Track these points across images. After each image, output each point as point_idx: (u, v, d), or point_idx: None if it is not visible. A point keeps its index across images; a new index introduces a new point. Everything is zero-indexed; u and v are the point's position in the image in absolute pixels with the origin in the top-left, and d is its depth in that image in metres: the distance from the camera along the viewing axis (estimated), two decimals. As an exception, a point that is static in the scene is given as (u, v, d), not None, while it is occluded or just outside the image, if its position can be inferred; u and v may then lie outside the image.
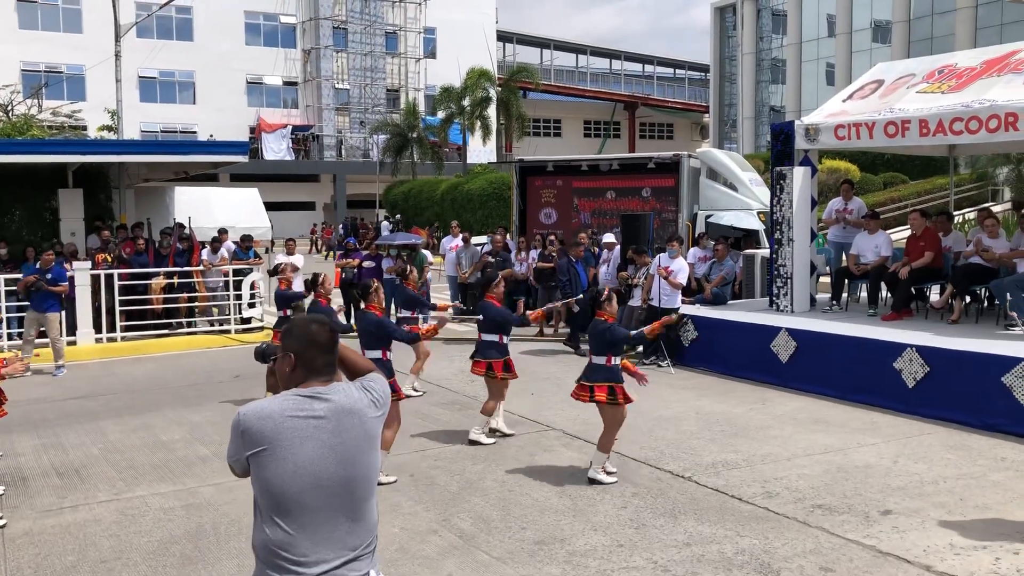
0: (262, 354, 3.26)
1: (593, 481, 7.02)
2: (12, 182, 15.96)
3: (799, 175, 11.62)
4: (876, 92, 11.72)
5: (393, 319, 11.16)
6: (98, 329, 14.40)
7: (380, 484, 6.96)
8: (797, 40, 46.97)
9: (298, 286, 11.64)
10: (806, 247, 11.80)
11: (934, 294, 11.69)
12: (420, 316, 11.41)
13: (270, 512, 2.81)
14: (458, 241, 16.86)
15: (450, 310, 10.34)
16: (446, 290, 19.06)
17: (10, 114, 31.28)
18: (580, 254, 14.02)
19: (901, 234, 19.50)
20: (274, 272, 10.91)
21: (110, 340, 14.48)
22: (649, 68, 73.95)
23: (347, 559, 2.81)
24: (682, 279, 11.95)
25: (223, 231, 16.33)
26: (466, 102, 43.43)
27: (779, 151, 11.95)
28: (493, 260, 15.32)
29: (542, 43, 68.42)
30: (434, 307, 10.45)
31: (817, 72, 46.33)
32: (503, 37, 63.86)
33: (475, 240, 17.24)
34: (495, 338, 8.31)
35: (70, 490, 7.20)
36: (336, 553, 2.80)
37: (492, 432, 8.43)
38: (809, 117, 12.13)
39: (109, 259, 14.76)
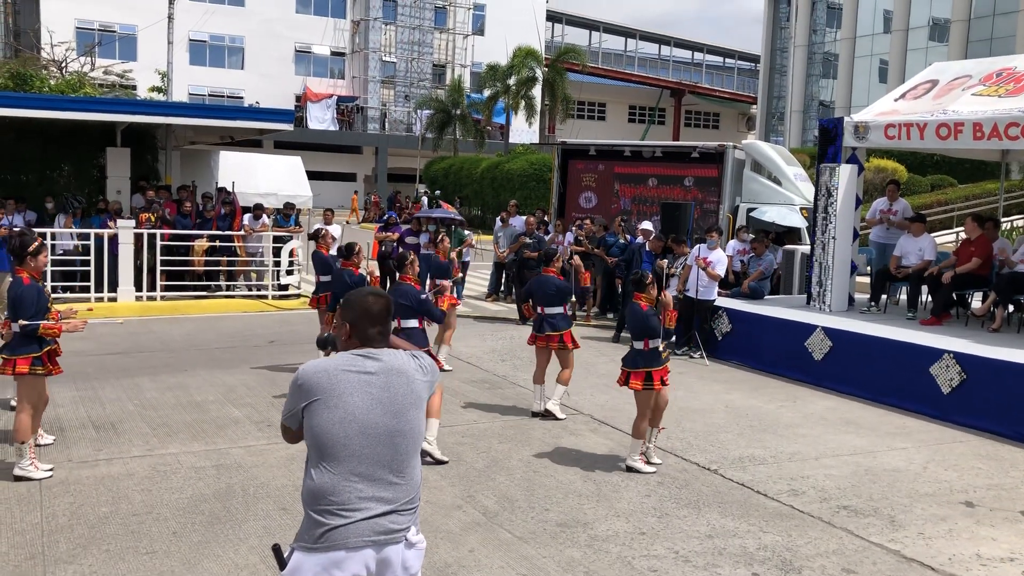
0: (323, 343, 3.43)
1: (630, 468, 7.03)
2: (62, 138, 16.24)
3: (845, 173, 11.46)
4: (930, 92, 11.50)
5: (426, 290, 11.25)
6: (138, 287, 14.66)
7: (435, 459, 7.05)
8: (851, 35, 46.11)
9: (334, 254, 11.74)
10: (847, 246, 11.65)
11: (976, 301, 11.50)
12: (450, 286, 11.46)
13: (318, 458, 2.98)
14: (515, 221, 16.90)
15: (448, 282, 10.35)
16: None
17: (64, 71, 31.72)
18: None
19: (945, 238, 19.18)
20: (314, 236, 11.01)
21: (150, 299, 14.74)
22: (698, 56, 73.08)
23: (389, 510, 2.96)
24: (720, 271, 11.88)
25: (259, 207, 16.39)
26: (511, 81, 43.23)
27: (826, 147, 11.78)
28: (529, 242, 15.32)
29: (591, 25, 67.86)
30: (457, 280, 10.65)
31: (870, 68, 45.48)
32: (552, 17, 63.45)
33: (515, 221, 17.22)
34: (559, 309, 8.49)
35: (105, 443, 7.37)
36: (379, 502, 2.95)
37: (561, 407, 8.60)
38: (859, 114, 11.93)
39: (153, 219, 14.98)
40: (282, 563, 2.98)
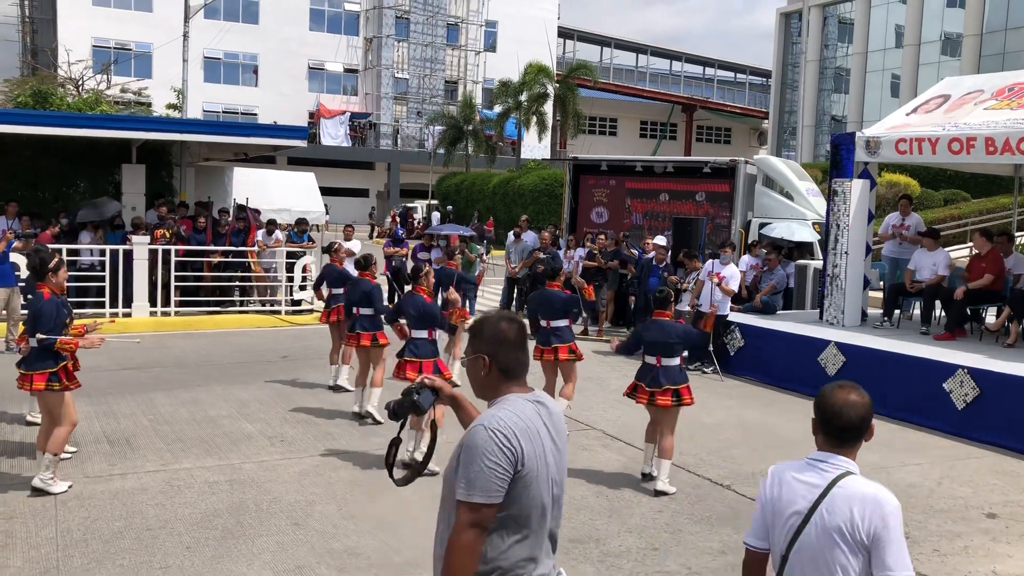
0: (396, 412, 3.02)
1: (659, 493, 6.89)
2: (79, 155, 16.40)
3: (857, 187, 11.45)
4: (942, 107, 11.49)
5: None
6: (153, 303, 14.76)
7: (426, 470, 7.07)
8: (863, 49, 46.11)
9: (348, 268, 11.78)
10: (860, 261, 11.63)
11: (990, 316, 11.45)
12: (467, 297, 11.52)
13: (517, 527, 2.64)
14: (526, 236, 16.96)
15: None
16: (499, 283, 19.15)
17: (80, 89, 32.06)
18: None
19: (958, 252, 19.09)
20: (328, 250, 11.05)
21: (164, 314, 14.83)
22: (709, 71, 73.16)
23: (552, 564, 2.79)
24: (734, 286, 11.87)
25: (272, 222, 16.51)
26: (523, 97, 43.41)
27: (838, 162, 11.78)
28: (543, 256, 15.34)
29: (603, 41, 68.09)
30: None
31: (882, 83, 45.44)
32: (564, 33, 63.73)
33: (527, 236, 17.25)
34: (564, 322, 8.51)
35: (120, 458, 7.41)
36: (551, 559, 2.77)
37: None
38: (871, 129, 11.93)
39: (168, 235, 15.09)
40: None
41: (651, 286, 13.60)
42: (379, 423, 8.54)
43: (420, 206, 43.41)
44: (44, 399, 6.56)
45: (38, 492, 6.40)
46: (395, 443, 3.04)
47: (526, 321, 7.68)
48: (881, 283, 12.89)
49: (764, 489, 2.95)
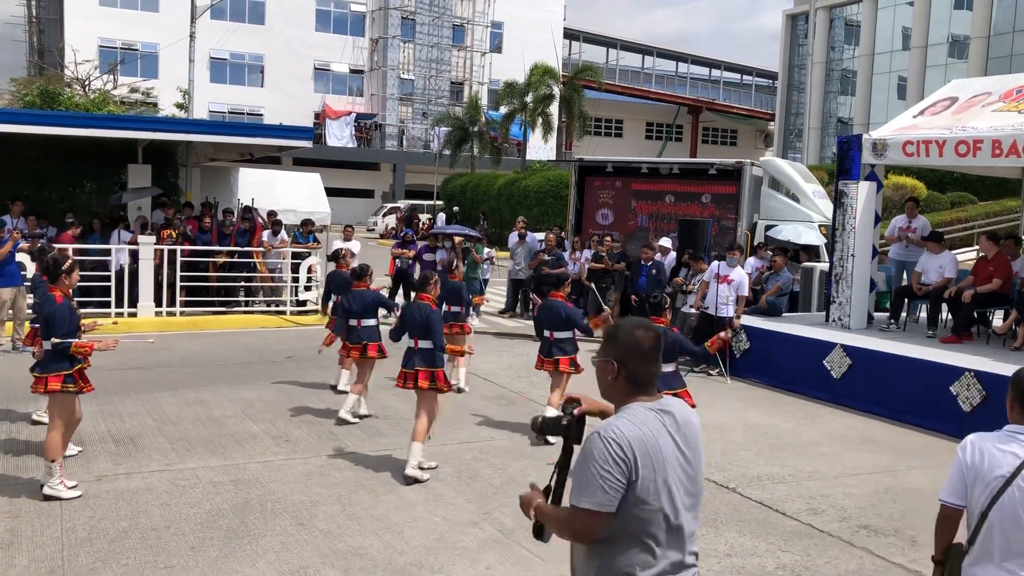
0: (544, 428, 3.00)
1: None
2: (85, 155, 16.44)
3: (863, 190, 11.42)
4: (949, 109, 11.46)
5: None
6: (158, 303, 14.78)
7: (422, 469, 7.08)
8: (870, 51, 46.04)
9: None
10: (867, 263, 11.60)
11: (997, 319, 11.40)
12: (466, 311, 11.43)
13: (641, 535, 2.67)
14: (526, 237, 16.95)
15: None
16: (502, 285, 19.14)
17: (87, 89, 32.14)
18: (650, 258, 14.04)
19: (965, 255, 19.04)
20: (334, 257, 11.04)
21: (169, 314, 14.85)
22: (715, 72, 73.11)
23: (692, 564, 2.80)
24: (744, 291, 11.82)
25: (278, 222, 16.51)
26: (529, 98, 43.41)
27: (844, 164, 11.75)
28: (548, 258, 15.34)
29: (609, 42, 68.09)
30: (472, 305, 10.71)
31: (888, 85, 45.34)
32: (570, 35, 63.72)
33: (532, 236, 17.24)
34: (569, 334, 8.42)
35: (125, 457, 7.42)
36: (688, 560, 2.78)
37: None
38: (878, 131, 11.90)
39: (174, 235, 15.11)
40: None
41: (640, 286, 13.61)
42: (351, 423, 8.60)
43: (401, 206, 43.49)
44: (55, 400, 6.55)
45: (50, 498, 6.36)
46: (560, 465, 2.96)
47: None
48: (888, 286, 12.83)
49: (964, 456, 3.50)
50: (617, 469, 2.59)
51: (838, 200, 11.65)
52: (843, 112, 49.30)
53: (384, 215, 44.85)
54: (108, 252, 14.56)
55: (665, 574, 2.70)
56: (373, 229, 45.05)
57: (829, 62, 49.69)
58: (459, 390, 10.02)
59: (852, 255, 11.42)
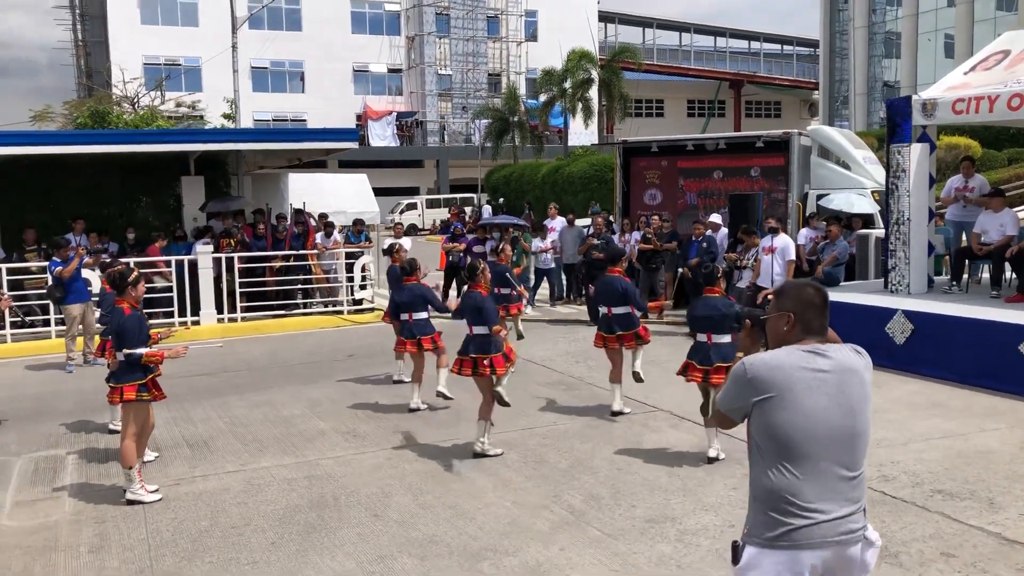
0: (738, 317, 3.39)
1: (711, 459, 7.05)
2: (139, 170, 16.83)
3: (916, 152, 11.19)
4: (1002, 63, 11.16)
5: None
6: (219, 310, 15.11)
7: (487, 456, 7.19)
8: (914, 11, 44.88)
9: None
10: (923, 227, 11.38)
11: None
12: (514, 293, 11.53)
13: (777, 458, 2.98)
14: (555, 223, 16.95)
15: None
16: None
17: (136, 106, 32.87)
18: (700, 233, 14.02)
19: (1027, 212, 18.54)
20: (388, 251, 11.21)
21: (231, 320, 15.18)
22: (755, 45, 72.03)
23: (849, 512, 2.99)
24: (791, 255, 11.77)
25: (330, 224, 16.81)
26: (567, 84, 43.24)
27: (894, 127, 11.53)
28: (597, 242, 15.32)
29: (644, 22, 67.50)
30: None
31: (935, 45, 44.19)
32: (605, 17, 63.29)
33: (579, 223, 17.24)
34: (627, 309, 8.46)
35: (200, 460, 7.64)
36: (839, 504, 2.98)
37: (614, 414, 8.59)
38: (928, 91, 11.64)
39: (233, 243, 15.44)
40: (736, 558, 3.04)
41: (691, 258, 13.61)
42: (450, 398, 8.70)
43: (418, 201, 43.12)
44: (130, 409, 6.76)
45: (133, 503, 6.59)
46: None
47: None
48: (946, 248, 12.57)
49: None
50: (743, 381, 3.06)
51: (890, 165, 11.45)
52: (889, 76, 48.20)
53: (402, 212, 44.59)
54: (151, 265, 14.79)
55: (803, 502, 2.98)
56: (391, 228, 45.12)
57: (871, 25, 48.56)
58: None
59: (908, 219, 11.21)
